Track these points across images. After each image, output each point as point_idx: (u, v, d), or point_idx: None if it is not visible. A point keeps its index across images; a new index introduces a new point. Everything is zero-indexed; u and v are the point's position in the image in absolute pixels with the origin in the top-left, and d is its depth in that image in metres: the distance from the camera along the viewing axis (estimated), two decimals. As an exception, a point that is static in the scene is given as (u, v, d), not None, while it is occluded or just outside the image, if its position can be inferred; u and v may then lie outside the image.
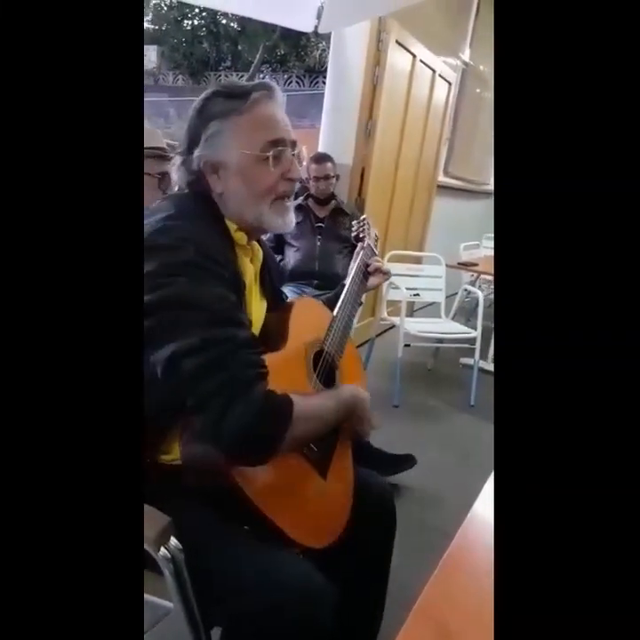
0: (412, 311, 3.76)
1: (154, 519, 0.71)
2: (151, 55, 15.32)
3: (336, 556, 0.84)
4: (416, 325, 2.84)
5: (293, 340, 0.88)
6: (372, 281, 1.15)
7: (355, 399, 0.87)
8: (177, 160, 0.85)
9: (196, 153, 0.80)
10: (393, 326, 3.09)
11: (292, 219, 0.86)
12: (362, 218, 1.29)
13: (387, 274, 1.17)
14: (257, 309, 0.89)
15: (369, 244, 1.20)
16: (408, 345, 2.81)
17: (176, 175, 0.86)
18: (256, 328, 0.87)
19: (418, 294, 3.11)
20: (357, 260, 1.15)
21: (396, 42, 2.81)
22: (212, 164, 0.80)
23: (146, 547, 0.70)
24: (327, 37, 2.84)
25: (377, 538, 0.97)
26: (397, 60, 2.91)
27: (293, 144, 0.82)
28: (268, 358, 0.78)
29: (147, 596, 0.85)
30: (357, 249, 1.19)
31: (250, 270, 0.88)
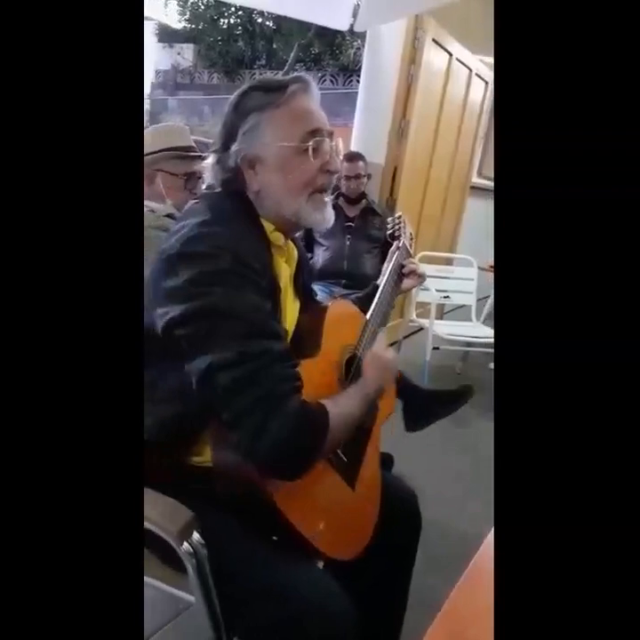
0: (442, 314, 3.71)
1: (178, 513, 0.72)
2: (188, 53, 15.54)
3: (360, 563, 0.83)
4: (445, 328, 2.81)
5: (327, 346, 0.86)
6: (406, 283, 1.12)
7: (377, 392, 0.84)
8: (211, 158, 0.83)
9: (234, 148, 0.79)
10: (421, 329, 3.05)
11: (330, 214, 0.84)
12: (397, 215, 1.24)
13: (421, 276, 1.13)
14: (291, 311, 0.88)
15: (404, 244, 1.16)
16: (437, 348, 2.78)
17: (210, 173, 0.84)
18: (289, 330, 0.86)
19: (448, 296, 3.06)
20: (392, 261, 1.11)
21: (433, 40, 2.78)
22: (249, 159, 0.79)
23: (169, 540, 0.71)
24: (362, 36, 2.82)
25: (401, 544, 0.96)
26: (433, 58, 2.87)
27: (331, 135, 0.81)
28: (303, 365, 0.77)
29: (168, 588, 0.86)
30: (392, 248, 1.15)
31: (285, 272, 0.86)
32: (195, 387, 0.68)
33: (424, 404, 1.84)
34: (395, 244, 1.16)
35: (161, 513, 0.72)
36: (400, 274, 1.11)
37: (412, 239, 1.23)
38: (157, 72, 16.60)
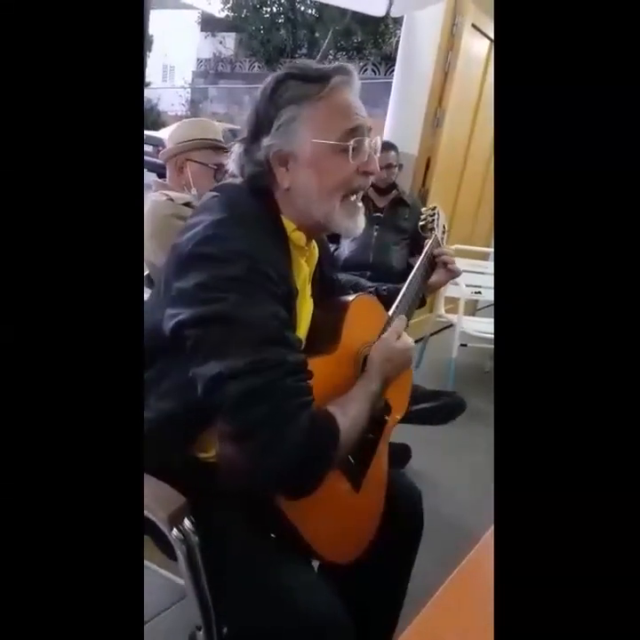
0: (474, 310, 3.62)
1: (168, 499, 0.71)
2: (229, 42, 15.65)
3: (356, 564, 0.81)
4: (474, 325, 2.73)
5: (346, 342, 0.83)
6: (437, 278, 1.05)
7: (386, 377, 0.80)
8: (237, 148, 0.78)
9: (266, 142, 0.73)
10: (451, 325, 2.98)
11: (361, 221, 0.79)
12: (432, 206, 1.17)
13: (453, 272, 1.05)
14: (306, 311, 0.84)
15: (436, 237, 1.10)
16: (464, 345, 2.71)
17: (236, 165, 0.79)
18: (304, 330, 0.83)
19: (479, 292, 2.97)
20: (422, 254, 1.03)
21: (472, 25, 2.69)
22: (282, 155, 0.74)
23: (160, 525, 0.71)
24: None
25: (400, 546, 0.93)
26: (472, 44, 2.77)
27: (370, 131, 0.76)
28: (319, 362, 0.75)
29: (167, 574, 0.86)
30: (426, 242, 1.08)
31: (304, 271, 0.83)
32: (200, 392, 0.66)
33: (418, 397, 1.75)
34: (428, 238, 1.09)
35: (153, 497, 0.71)
36: (430, 267, 1.05)
37: (444, 232, 1.16)
38: (199, 61, 16.79)
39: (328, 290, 0.94)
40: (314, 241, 0.86)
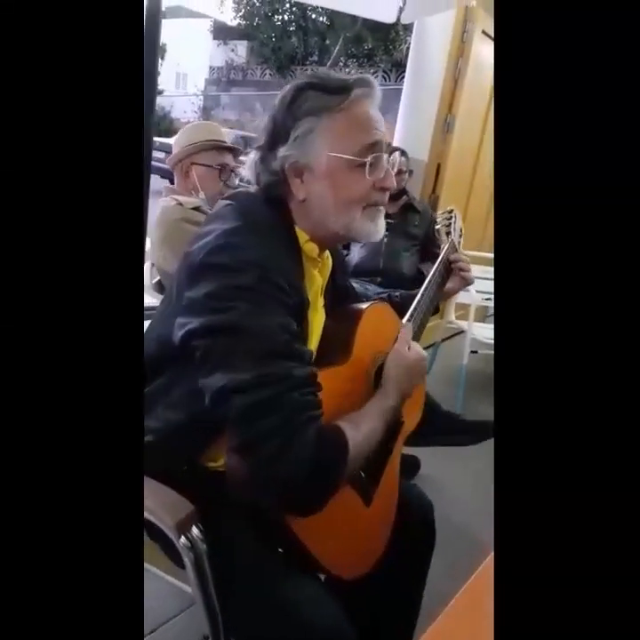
0: (484, 316, 3.59)
1: (176, 506, 0.71)
2: (241, 50, 15.78)
3: (366, 579, 0.79)
4: (484, 331, 2.71)
5: (358, 353, 0.81)
6: (451, 285, 1.02)
7: (399, 400, 0.79)
8: (253, 155, 0.77)
9: (282, 152, 0.72)
10: (462, 331, 2.96)
11: (382, 225, 0.77)
12: (449, 209, 1.14)
13: (466, 280, 1.02)
14: (317, 321, 0.83)
15: (453, 241, 1.07)
16: (475, 351, 2.69)
17: (251, 172, 0.78)
18: (315, 341, 0.81)
19: (490, 299, 2.96)
20: (439, 260, 1.00)
21: (483, 32, 2.68)
22: (297, 167, 0.73)
23: (167, 532, 0.71)
24: (414, 30, 2.76)
25: (412, 561, 0.91)
26: (483, 51, 2.77)
27: (388, 146, 0.75)
28: (331, 373, 0.73)
29: (175, 582, 0.86)
30: (443, 247, 1.05)
31: (316, 283, 0.82)
32: (208, 403, 0.65)
33: (432, 425, 1.73)
34: (444, 242, 1.06)
35: (161, 504, 0.71)
36: (446, 273, 1.02)
37: (461, 236, 1.13)
38: (211, 68, 16.96)
39: (341, 298, 0.92)
40: (327, 251, 0.85)
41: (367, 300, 1.00)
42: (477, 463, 1.93)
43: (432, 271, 1.00)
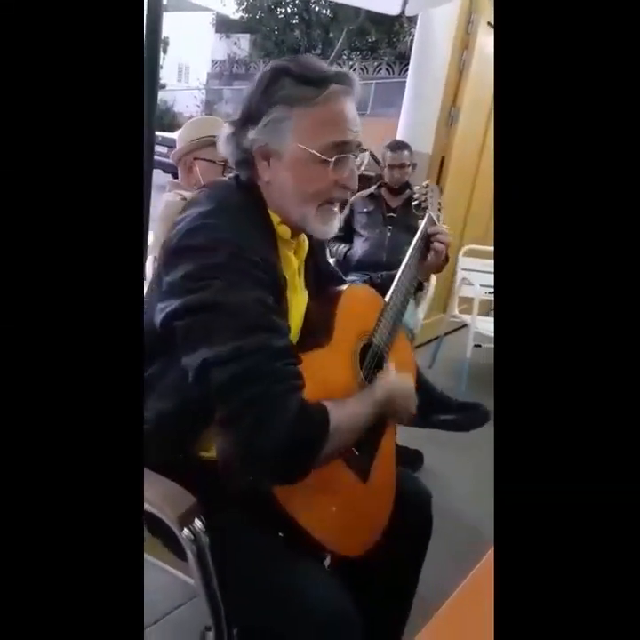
0: (488, 310, 3.58)
1: (179, 499, 0.71)
2: (244, 44, 15.70)
3: (366, 566, 0.80)
4: (488, 325, 2.70)
5: (340, 334, 0.82)
6: (431, 259, 0.98)
7: (391, 396, 0.80)
8: (227, 129, 0.78)
9: (252, 135, 0.74)
10: (465, 325, 2.96)
11: (335, 225, 0.79)
12: (425, 183, 1.12)
13: (444, 243, 0.97)
14: (297, 304, 0.84)
15: (430, 215, 1.05)
16: (479, 345, 2.68)
17: (223, 146, 0.79)
18: (297, 322, 0.82)
19: (493, 292, 2.95)
20: (418, 235, 0.99)
21: (488, 23, 2.66)
22: (265, 151, 0.74)
23: (170, 525, 0.71)
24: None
25: (410, 549, 0.92)
26: (488, 43, 2.74)
27: (358, 147, 0.75)
28: (312, 356, 0.74)
29: (177, 573, 0.86)
30: (420, 222, 1.03)
31: (293, 264, 0.83)
32: (191, 381, 0.66)
33: (429, 405, 1.72)
34: (422, 219, 1.04)
35: (163, 497, 0.72)
36: (425, 248, 0.99)
37: (440, 210, 1.11)
38: (214, 62, 16.89)
39: (327, 282, 0.93)
40: (304, 235, 0.85)
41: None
42: (478, 455, 1.93)
43: (411, 247, 0.98)
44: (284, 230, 0.79)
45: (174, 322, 0.67)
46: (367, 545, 0.81)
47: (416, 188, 1.15)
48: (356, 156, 0.76)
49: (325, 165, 0.73)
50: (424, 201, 1.09)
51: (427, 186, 1.12)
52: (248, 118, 0.75)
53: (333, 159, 0.72)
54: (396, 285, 0.92)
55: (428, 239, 1.00)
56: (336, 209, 0.78)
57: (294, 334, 0.80)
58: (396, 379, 0.83)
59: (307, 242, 0.88)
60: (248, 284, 0.67)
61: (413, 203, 1.12)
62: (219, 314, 0.64)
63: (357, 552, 0.79)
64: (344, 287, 0.90)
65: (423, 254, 1.00)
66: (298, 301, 0.84)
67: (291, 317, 0.78)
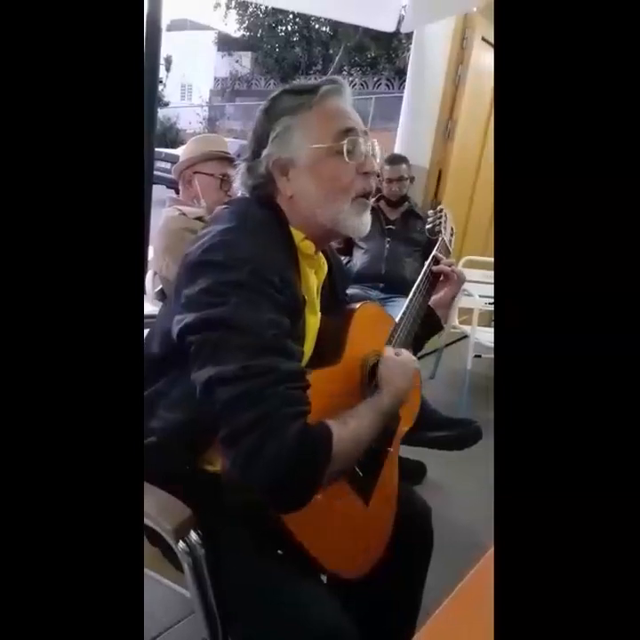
0: (488, 321, 3.58)
1: (174, 510, 0.72)
2: (245, 61, 15.93)
3: (366, 581, 0.79)
4: (488, 336, 2.70)
5: (350, 353, 0.82)
6: (444, 292, 0.99)
7: (396, 404, 0.78)
8: (242, 167, 0.81)
9: (264, 153, 0.76)
10: (466, 336, 2.96)
11: (368, 220, 0.79)
12: (439, 208, 1.13)
13: (456, 281, 0.99)
14: (313, 324, 0.83)
15: (443, 240, 1.06)
16: (479, 356, 2.68)
17: (241, 182, 0.81)
18: (310, 342, 0.81)
19: (493, 303, 2.96)
20: (429, 259, 1.00)
21: (482, 39, 2.70)
22: (281, 164, 0.76)
23: (165, 537, 0.71)
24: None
25: (410, 564, 0.91)
26: (482, 57, 2.78)
27: (366, 134, 0.78)
28: (322, 374, 0.74)
29: (179, 589, 0.86)
30: (434, 248, 1.04)
31: (313, 283, 0.83)
32: (198, 397, 0.66)
33: (418, 422, 1.71)
34: (436, 244, 1.05)
35: (159, 509, 0.72)
36: (434, 276, 1.00)
37: (452, 235, 1.12)
38: (216, 79, 17.13)
39: (337, 306, 0.92)
40: (323, 255, 0.86)
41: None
42: (479, 468, 1.92)
43: (420, 277, 0.98)
44: (307, 245, 0.79)
45: (189, 335, 0.67)
46: (363, 569, 0.80)
47: (429, 211, 1.15)
48: (367, 143, 0.77)
49: (340, 156, 0.74)
50: (437, 225, 1.10)
51: (440, 211, 1.13)
52: (258, 145, 0.78)
53: (345, 144, 0.74)
54: (407, 307, 0.92)
55: (436, 263, 1.01)
56: (368, 202, 0.79)
57: (307, 355, 0.79)
58: (392, 370, 0.80)
59: (325, 264, 0.88)
60: (264, 303, 0.66)
61: (427, 227, 1.12)
62: (230, 332, 0.64)
63: (353, 575, 0.78)
64: (356, 306, 0.89)
65: (432, 284, 1.00)
66: (313, 322, 0.83)
67: (305, 338, 0.77)
